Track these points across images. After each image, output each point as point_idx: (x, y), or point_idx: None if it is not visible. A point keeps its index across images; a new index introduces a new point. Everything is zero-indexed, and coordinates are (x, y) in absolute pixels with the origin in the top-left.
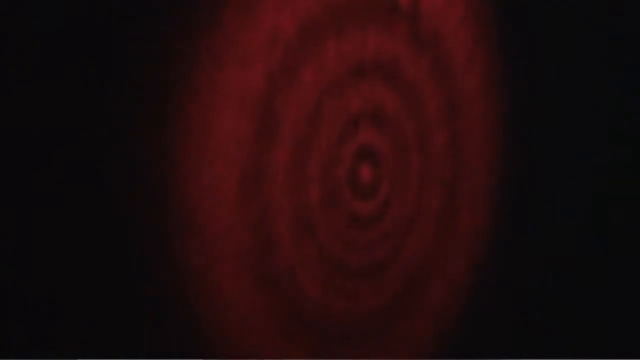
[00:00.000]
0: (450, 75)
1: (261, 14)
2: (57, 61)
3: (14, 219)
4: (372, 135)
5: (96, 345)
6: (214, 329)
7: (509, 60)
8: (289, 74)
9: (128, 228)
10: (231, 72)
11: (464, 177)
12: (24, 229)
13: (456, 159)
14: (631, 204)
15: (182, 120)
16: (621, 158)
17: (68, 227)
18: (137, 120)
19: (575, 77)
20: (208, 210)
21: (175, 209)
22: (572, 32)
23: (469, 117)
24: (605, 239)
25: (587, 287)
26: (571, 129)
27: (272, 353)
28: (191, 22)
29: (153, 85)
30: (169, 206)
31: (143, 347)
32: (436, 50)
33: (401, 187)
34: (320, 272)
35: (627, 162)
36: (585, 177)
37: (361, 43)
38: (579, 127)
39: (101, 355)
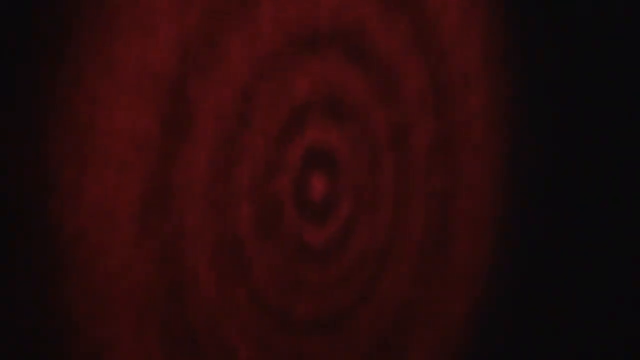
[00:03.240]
0: (437, 48)
1: None
2: None
3: None
4: (326, 131)
5: None
6: None
7: (517, 27)
8: (208, 46)
9: None
10: (128, 45)
11: (459, 189)
12: None
13: (447, 164)
14: None
15: (61, 115)
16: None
17: None
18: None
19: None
20: (97, 240)
21: (51, 237)
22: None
23: (464, 105)
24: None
25: (606, 331)
26: (594, 121)
27: None
28: None
29: (20, 67)
30: (42, 234)
31: None
32: (418, 13)
33: (369, 206)
34: (254, 324)
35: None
36: (608, 184)
37: (311, 2)
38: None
39: None
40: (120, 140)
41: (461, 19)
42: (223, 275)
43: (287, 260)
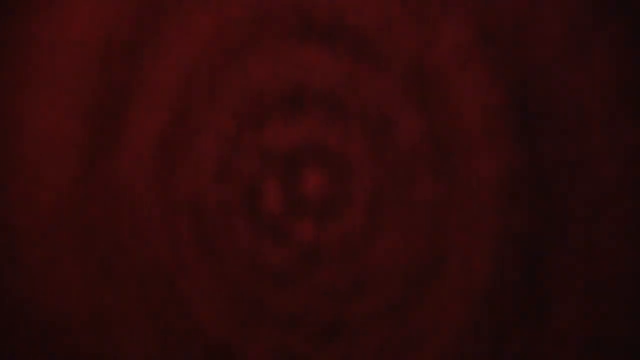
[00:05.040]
0: (426, 14)
1: None
2: None
3: None
4: (290, 127)
5: None
6: None
7: None
8: (140, 30)
9: None
10: (44, 24)
11: (453, 198)
12: None
13: (438, 168)
14: None
15: None
16: None
17: None
18: None
19: None
20: None
21: None
22: None
23: (458, 93)
24: None
25: None
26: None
27: None
28: None
29: None
30: None
31: None
32: None
33: (339, 218)
34: None
35: None
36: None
37: None
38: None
39: None
40: (62, 88)
41: None
42: (154, 311)
43: (238, 286)
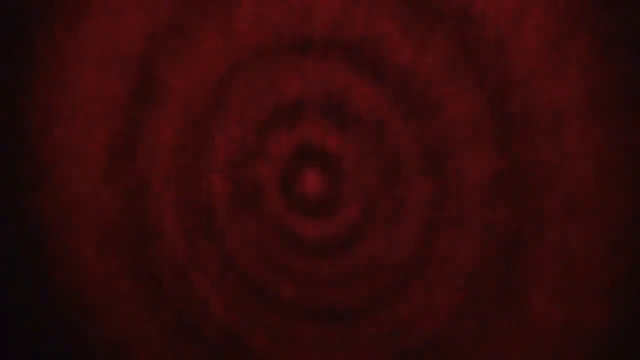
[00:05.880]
0: (415, 30)
1: None
2: None
3: None
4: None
5: None
6: None
7: None
8: (178, 36)
9: None
10: (96, 25)
11: (441, 197)
12: None
13: (428, 168)
14: None
15: (33, 72)
16: None
17: None
18: None
19: None
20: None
21: (27, 163)
22: None
23: (444, 101)
24: None
25: None
26: None
27: None
28: None
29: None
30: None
31: None
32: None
33: (338, 214)
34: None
35: None
36: None
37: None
38: None
39: None
40: (87, 97)
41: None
42: (168, 300)
43: (245, 277)
